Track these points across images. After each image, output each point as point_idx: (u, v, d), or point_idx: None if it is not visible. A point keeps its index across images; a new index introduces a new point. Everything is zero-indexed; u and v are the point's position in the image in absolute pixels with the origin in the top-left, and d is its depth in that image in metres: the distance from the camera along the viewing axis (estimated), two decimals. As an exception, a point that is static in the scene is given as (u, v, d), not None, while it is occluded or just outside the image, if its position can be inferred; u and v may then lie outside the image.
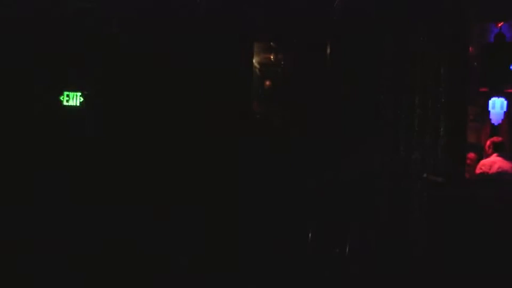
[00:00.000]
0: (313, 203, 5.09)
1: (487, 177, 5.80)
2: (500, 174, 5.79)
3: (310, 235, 5.02)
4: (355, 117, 5.21)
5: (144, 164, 5.38)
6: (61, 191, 5.29)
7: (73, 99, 5.79)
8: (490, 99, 6.27)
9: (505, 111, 6.28)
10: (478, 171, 5.99)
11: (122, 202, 5.23)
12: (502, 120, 6.35)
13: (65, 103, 5.80)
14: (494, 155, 5.97)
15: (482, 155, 6.56)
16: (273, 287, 4.83)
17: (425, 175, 5.11)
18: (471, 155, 6.51)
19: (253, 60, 6.75)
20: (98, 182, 5.34)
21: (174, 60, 5.70)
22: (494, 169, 5.84)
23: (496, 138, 6.18)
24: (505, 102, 6.24)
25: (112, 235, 5.14)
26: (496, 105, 6.25)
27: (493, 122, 6.37)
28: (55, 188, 5.30)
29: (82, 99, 5.82)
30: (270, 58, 7.29)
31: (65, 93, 5.78)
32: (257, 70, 7.09)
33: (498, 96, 6.22)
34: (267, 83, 6.47)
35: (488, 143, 6.16)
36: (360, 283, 4.82)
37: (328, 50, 6.07)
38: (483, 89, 6.39)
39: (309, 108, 5.46)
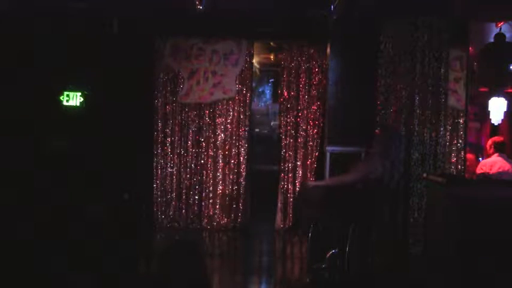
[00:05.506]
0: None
1: (487, 177, 5.78)
2: (501, 174, 5.77)
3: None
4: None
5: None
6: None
7: (73, 99, 5.78)
8: (490, 99, 6.26)
9: (505, 111, 6.26)
10: (478, 171, 5.97)
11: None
12: (502, 120, 6.33)
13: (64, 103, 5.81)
14: (495, 155, 5.94)
15: (482, 154, 6.55)
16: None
17: (425, 175, 5.10)
18: (469, 155, 6.49)
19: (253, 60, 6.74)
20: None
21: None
22: (495, 169, 5.82)
23: (497, 138, 6.14)
24: (505, 102, 6.22)
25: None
26: (496, 105, 6.23)
27: (493, 122, 6.35)
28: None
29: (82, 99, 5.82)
30: (270, 58, 7.28)
31: (65, 93, 5.78)
32: (257, 70, 7.08)
33: (498, 96, 6.20)
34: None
35: (489, 142, 6.12)
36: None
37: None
38: (483, 89, 6.38)
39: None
